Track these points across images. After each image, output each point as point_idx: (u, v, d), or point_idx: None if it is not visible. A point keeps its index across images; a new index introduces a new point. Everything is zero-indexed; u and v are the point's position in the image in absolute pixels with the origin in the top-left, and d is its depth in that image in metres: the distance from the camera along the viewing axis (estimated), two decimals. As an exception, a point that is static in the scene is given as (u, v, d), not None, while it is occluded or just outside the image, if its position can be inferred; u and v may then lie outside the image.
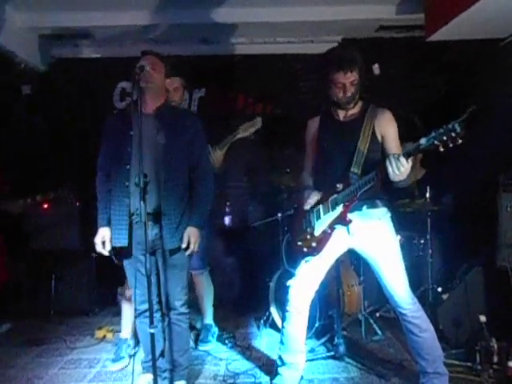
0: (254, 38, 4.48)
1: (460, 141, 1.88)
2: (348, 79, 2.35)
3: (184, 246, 2.43)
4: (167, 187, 2.40)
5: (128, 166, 2.39)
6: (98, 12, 3.94)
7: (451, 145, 1.90)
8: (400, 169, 2.10)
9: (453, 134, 1.88)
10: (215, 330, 3.47)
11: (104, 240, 2.47)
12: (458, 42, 3.89)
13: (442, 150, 1.94)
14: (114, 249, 2.48)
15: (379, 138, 2.41)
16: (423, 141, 1.99)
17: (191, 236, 2.43)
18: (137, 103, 2.26)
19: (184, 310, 2.55)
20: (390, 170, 2.13)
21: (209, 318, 3.45)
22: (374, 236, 2.44)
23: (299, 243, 2.55)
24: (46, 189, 3.24)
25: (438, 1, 3.51)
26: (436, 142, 1.93)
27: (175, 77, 2.94)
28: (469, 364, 2.78)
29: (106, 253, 2.48)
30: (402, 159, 2.09)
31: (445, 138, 1.90)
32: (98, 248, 2.49)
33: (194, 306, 3.36)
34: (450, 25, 3.40)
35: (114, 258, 2.51)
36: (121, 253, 2.50)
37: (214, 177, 2.64)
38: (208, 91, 4.64)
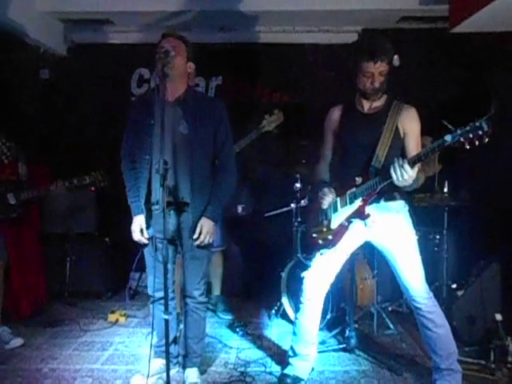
0: (272, 26, 4.43)
1: (487, 139, 1.84)
2: (377, 69, 2.31)
3: (195, 236, 2.39)
4: (193, 176, 2.37)
5: (148, 156, 2.36)
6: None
7: (477, 143, 1.85)
8: (404, 176, 2.08)
9: (480, 132, 1.84)
10: None
11: (142, 228, 2.45)
12: (481, 33, 3.80)
13: (468, 147, 1.89)
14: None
15: (401, 134, 2.37)
16: (448, 137, 1.94)
17: (203, 227, 2.39)
18: (157, 87, 2.18)
19: (202, 299, 2.55)
20: (394, 177, 2.11)
21: (219, 290, 3.76)
22: (391, 229, 2.41)
23: (314, 235, 2.54)
24: (76, 174, 3.27)
25: (464, -9, 3.43)
26: (462, 140, 1.89)
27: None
28: (482, 362, 2.75)
29: (144, 240, 2.46)
30: (406, 166, 2.07)
31: (471, 135, 1.86)
32: (136, 236, 2.46)
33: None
34: (474, 16, 3.33)
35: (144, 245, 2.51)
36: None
37: None
38: (225, 79, 4.62)
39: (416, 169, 2.10)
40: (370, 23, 4.31)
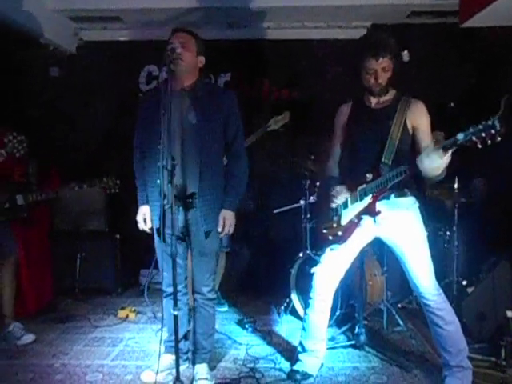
0: (281, 22, 4.41)
1: (499, 138, 1.80)
2: (380, 65, 2.30)
3: (220, 229, 2.43)
4: (202, 169, 2.37)
5: (160, 147, 2.39)
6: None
7: (490, 142, 1.82)
8: (437, 162, 2.02)
9: (492, 131, 1.80)
10: None
11: (145, 218, 2.49)
12: (492, 28, 3.75)
13: (480, 146, 1.85)
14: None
15: (410, 129, 2.35)
16: (460, 136, 1.90)
17: (226, 219, 2.43)
18: (167, 86, 2.19)
19: (211, 295, 2.56)
20: (426, 164, 2.05)
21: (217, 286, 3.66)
22: (401, 225, 2.40)
23: (325, 231, 2.53)
24: (87, 176, 3.29)
25: (475, -15, 3.39)
26: (474, 139, 1.85)
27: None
28: (493, 359, 2.74)
29: (147, 230, 2.50)
30: (441, 153, 1.99)
31: (483, 134, 1.83)
32: (140, 226, 2.51)
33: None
34: (485, 10, 3.27)
35: (155, 235, 2.52)
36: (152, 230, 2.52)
37: None
38: (233, 76, 4.61)
39: (449, 156, 2.02)
40: (380, 18, 4.27)
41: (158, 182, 2.21)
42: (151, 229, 2.51)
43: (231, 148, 2.49)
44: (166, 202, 2.25)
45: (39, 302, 3.78)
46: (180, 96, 2.39)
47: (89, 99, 4.65)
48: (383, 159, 2.32)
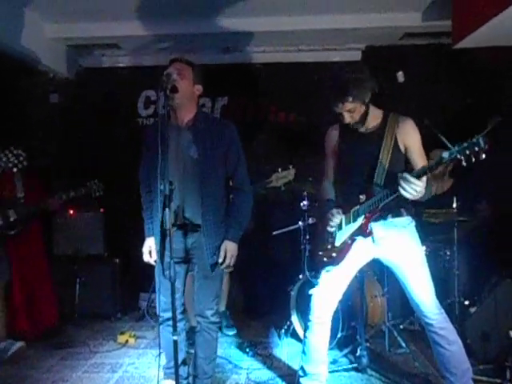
0: (276, 46, 4.50)
1: (483, 155, 1.83)
2: (343, 109, 2.30)
3: (221, 260, 2.42)
4: (204, 202, 2.38)
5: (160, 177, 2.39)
6: (124, 22, 4.01)
7: (474, 159, 1.84)
8: (414, 189, 2.05)
9: (476, 149, 1.83)
10: None
11: (150, 250, 2.49)
12: (485, 49, 3.81)
13: (464, 164, 1.88)
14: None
15: (402, 148, 2.35)
16: (445, 155, 1.93)
17: (228, 250, 2.41)
18: (164, 114, 2.21)
19: (215, 319, 2.53)
20: (404, 194, 2.09)
21: (224, 306, 3.76)
22: (398, 245, 2.40)
23: (320, 253, 2.53)
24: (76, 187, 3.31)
25: (466, 7, 3.45)
26: (459, 157, 1.88)
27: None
28: (498, 381, 2.69)
29: (152, 262, 2.49)
30: (415, 180, 2.04)
31: (468, 152, 1.85)
32: (145, 258, 2.51)
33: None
34: (478, 32, 3.33)
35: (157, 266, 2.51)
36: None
37: None
38: (230, 99, 4.67)
39: (424, 179, 2.07)
40: (374, 40, 4.36)
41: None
42: (156, 261, 2.50)
43: (233, 180, 2.50)
44: (166, 226, 2.26)
45: (43, 324, 3.71)
46: (180, 130, 2.42)
47: (88, 124, 4.70)
48: (375, 180, 2.32)
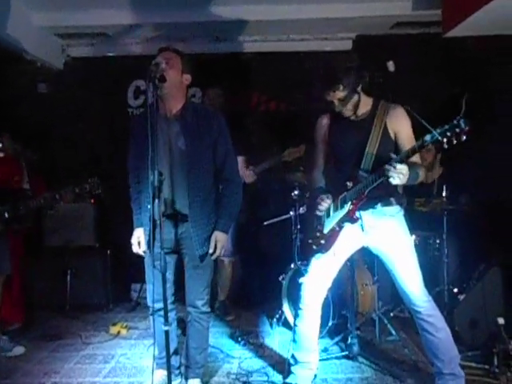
0: (267, 35, 4.47)
1: (464, 137, 1.86)
2: (334, 97, 2.31)
3: (211, 251, 2.43)
4: (191, 192, 2.38)
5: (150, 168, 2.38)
6: (113, 11, 3.96)
7: (455, 141, 1.88)
8: (400, 176, 2.08)
9: (457, 130, 1.86)
10: None
11: (139, 240, 2.49)
12: (476, 37, 3.82)
13: (446, 146, 1.91)
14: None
15: (392, 135, 2.36)
16: (427, 137, 1.97)
17: (218, 241, 2.43)
18: (152, 104, 2.19)
19: (205, 309, 2.54)
20: (390, 180, 2.11)
21: (224, 296, 3.92)
22: (387, 233, 2.41)
23: (309, 241, 2.55)
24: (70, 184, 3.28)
25: (456, -4, 3.46)
26: (440, 139, 1.91)
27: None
28: (486, 367, 2.74)
29: (141, 253, 2.50)
30: (399, 166, 2.07)
31: (449, 134, 1.88)
32: (134, 248, 2.51)
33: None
34: (468, 20, 3.34)
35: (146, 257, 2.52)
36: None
37: None
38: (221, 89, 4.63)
39: (406, 165, 2.09)
40: (365, 30, 4.35)
41: (149, 205, 2.21)
42: (145, 252, 2.50)
43: (222, 171, 2.50)
44: (155, 217, 2.26)
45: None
46: (168, 121, 2.41)
47: (77, 115, 4.65)
48: (362, 166, 2.34)
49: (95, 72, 4.65)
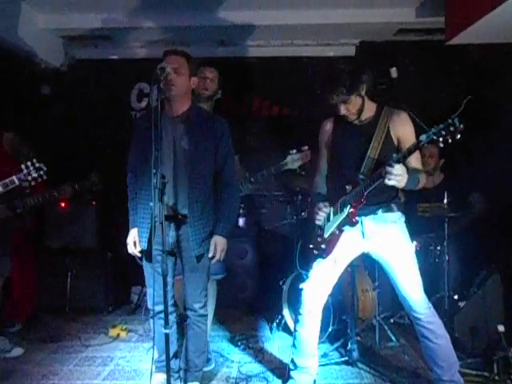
0: (271, 40, 4.48)
1: (459, 136, 1.88)
2: (337, 100, 2.31)
3: (211, 255, 2.44)
4: (192, 192, 2.39)
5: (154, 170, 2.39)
6: (118, 14, 3.98)
7: (450, 140, 1.90)
8: (398, 177, 2.08)
9: (452, 129, 1.88)
10: None
11: (135, 240, 2.49)
12: (479, 45, 3.83)
13: (441, 145, 1.93)
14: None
15: (394, 140, 2.37)
16: (423, 137, 1.99)
17: (218, 245, 2.44)
18: (157, 106, 2.20)
19: (203, 312, 2.54)
20: (387, 182, 2.11)
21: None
22: (388, 239, 2.41)
23: (310, 246, 2.55)
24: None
25: (459, 3, 3.46)
26: (435, 138, 1.93)
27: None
28: (486, 374, 2.73)
29: (137, 253, 2.50)
30: (396, 166, 2.07)
31: (444, 132, 1.90)
32: (130, 249, 2.51)
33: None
34: (471, 28, 3.34)
35: (138, 259, 2.53)
36: (142, 253, 2.52)
37: None
38: (224, 93, 4.64)
39: (403, 166, 2.11)
40: (368, 36, 4.36)
41: (151, 204, 2.20)
42: (141, 252, 2.50)
43: (221, 175, 2.51)
44: (156, 218, 2.26)
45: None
46: (173, 122, 2.43)
47: (80, 117, 4.66)
48: (362, 169, 2.34)
49: (99, 74, 4.67)
